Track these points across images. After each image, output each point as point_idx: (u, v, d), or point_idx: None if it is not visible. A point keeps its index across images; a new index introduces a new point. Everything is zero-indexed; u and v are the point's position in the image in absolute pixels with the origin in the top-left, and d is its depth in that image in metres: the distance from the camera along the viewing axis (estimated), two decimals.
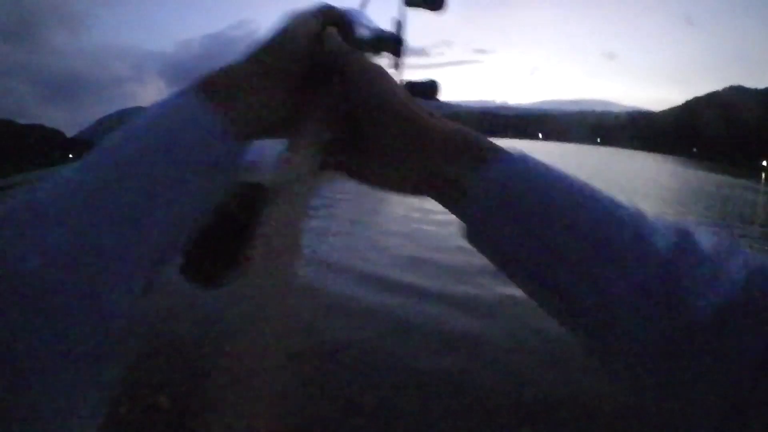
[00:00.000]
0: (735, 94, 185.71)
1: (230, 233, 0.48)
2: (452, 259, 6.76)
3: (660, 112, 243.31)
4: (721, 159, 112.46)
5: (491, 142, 0.36)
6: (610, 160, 52.89)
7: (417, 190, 0.37)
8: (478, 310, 5.08)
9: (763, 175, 57.84)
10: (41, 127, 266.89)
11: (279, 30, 0.44)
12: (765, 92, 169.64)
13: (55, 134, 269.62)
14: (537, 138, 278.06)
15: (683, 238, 0.27)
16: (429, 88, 0.56)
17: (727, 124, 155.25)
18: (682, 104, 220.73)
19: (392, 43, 0.58)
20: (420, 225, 9.48)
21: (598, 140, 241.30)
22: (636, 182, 26.99)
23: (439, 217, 10.26)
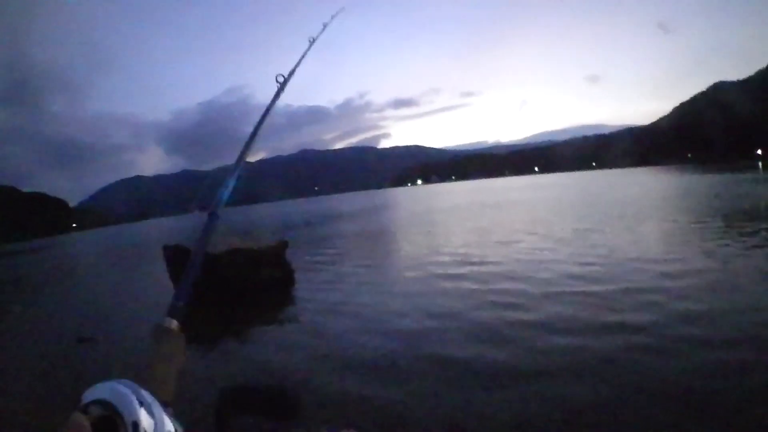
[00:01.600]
0: (719, 91, 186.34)
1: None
2: None
3: (650, 124, 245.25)
4: (717, 158, 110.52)
5: None
6: (609, 184, 53.18)
7: None
8: None
9: (760, 164, 56.98)
10: (44, 196, 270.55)
11: None
12: (746, 82, 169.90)
13: (58, 203, 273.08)
14: (534, 172, 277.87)
15: None
16: None
17: (717, 122, 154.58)
18: (670, 112, 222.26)
19: None
20: None
21: (594, 164, 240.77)
22: (643, 202, 26.21)
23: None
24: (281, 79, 1.67)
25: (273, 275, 12.04)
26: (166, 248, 11.93)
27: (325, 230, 29.93)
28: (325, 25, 2.23)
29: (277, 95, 1.66)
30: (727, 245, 11.35)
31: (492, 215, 26.47)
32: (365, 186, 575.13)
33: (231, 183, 1.37)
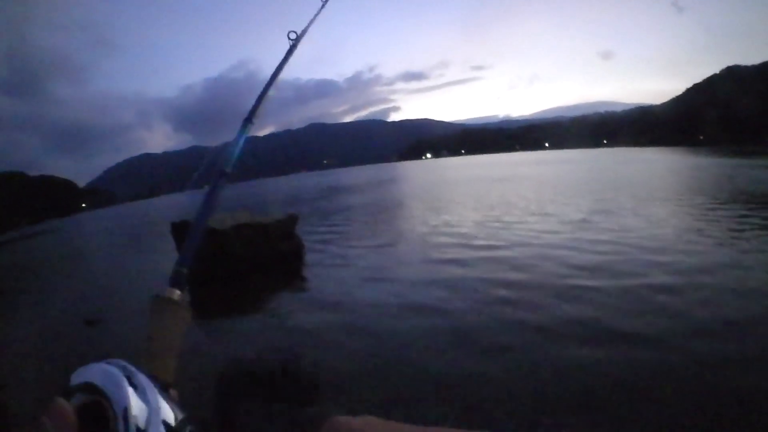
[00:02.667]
0: (732, 75, 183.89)
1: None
2: None
3: (662, 104, 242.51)
4: (729, 142, 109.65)
5: None
6: (621, 162, 52.15)
7: None
8: None
9: None
10: (52, 178, 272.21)
11: None
12: (761, 67, 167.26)
13: (67, 185, 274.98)
14: (544, 147, 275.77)
15: None
16: None
17: (729, 106, 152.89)
18: (683, 93, 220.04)
19: None
20: None
21: (605, 141, 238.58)
22: (655, 181, 26.08)
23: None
24: (293, 36, 1.56)
25: (282, 250, 12.00)
26: (174, 225, 11.87)
27: (334, 204, 30.04)
28: None
29: (290, 52, 1.54)
30: (743, 231, 11.02)
31: (501, 191, 26.20)
32: (374, 159, 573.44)
33: (241, 140, 1.25)
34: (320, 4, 1.86)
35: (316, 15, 1.77)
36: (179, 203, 66.40)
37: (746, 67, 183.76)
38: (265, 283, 10.39)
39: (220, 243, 10.71)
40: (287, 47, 1.53)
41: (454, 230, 14.07)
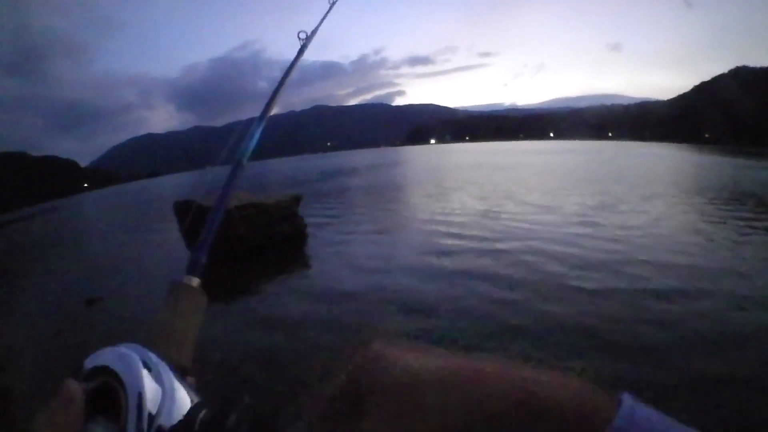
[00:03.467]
0: (740, 75, 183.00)
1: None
2: None
3: (668, 100, 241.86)
4: (733, 142, 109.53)
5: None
6: (626, 155, 52.61)
7: None
8: None
9: None
10: (55, 158, 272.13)
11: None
12: None
13: (70, 165, 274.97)
14: (549, 137, 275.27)
15: None
16: None
17: (736, 106, 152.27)
18: (690, 90, 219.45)
19: None
20: None
21: (610, 134, 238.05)
22: (664, 176, 26.17)
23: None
24: (303, 36, 1.62)
25: (285, 231, 12.07)
26: (177, 204, 11.89)
27: (337, 185, 30.35)
28: None
29: (301, 52, 1.60)
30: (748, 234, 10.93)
31: (503, 180, 26.21)
32: (378, 143, 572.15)
33: (257, 134, 1.31)
34: (328, 4, 1.92)
35: (325, 15, 1.83)
36: (182, 183, 66.32)
37: (754, 69, 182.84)
38: (264, 266, 10.44)
39: (225, 223, 10.72)
40: (298, 47, 1.59)
41: (450, 219, 14.16)
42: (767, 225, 11.75)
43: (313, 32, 1.65)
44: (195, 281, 0.93)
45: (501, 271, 8.56)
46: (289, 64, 1.51)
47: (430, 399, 0.27)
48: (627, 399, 0.26)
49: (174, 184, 65.68)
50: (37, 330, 7.81)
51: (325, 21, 1.73)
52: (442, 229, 12.61)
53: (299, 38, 1.57)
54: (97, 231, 23.99)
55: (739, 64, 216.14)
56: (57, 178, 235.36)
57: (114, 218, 29.32)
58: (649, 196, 16.71)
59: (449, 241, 11.13)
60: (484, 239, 11.15)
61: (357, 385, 0.32)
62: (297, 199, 12.87)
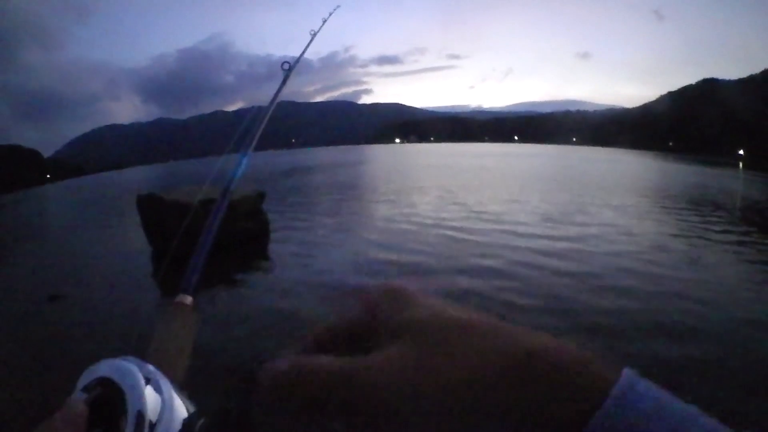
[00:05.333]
0: (708, 87, 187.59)
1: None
2: None
3: (635, 108, 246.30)
4: (698, 151, 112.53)
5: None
6: (589, 160, 53.62)
7: None
8: None
9: (741, 164, 58.20)
10: (18, 148, 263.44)
11: None
12: (738, 83, 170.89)
13: (33, 155, 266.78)
14: (513, 141, 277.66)
15: None
16: None
17: (702, 117, 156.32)
18: (656, 99, 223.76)
19: None
20: None
21: (574, 140, 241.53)
22: (623, 181, 26.90)
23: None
24: (287, 67, 1.74)
25: (249, 227, 12.03)
26: (140, 198, 11.75)
27: (300, 183, 30.41)
28: (324, 20, 2.30)
29: (284, 82, 1.73)
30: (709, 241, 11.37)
31: (463, 182, 26.50)
32: (343, 141, 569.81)
33: (244, 163, 1.41)
34: (309, 37, 2.05)
35: (307, 46, 1.96)
36: (146, 177, 65.32)
37: (723, 81, 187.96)
38: (226, 264, 10.36)
39: (184, 218, 10.63)
40: (281, 77, 1.72)
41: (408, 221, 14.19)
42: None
43: (296, 62, 1.78)
44: (188, 300, 1.01)
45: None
46: (276, 99, 1.65)
47: (452, 338, 0.27)
48: (628, 372, 0.26)
49: (137, 178, 64.40)
50: None
51: (306, 53, 1.86)
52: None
53: (282, 69, 1.70)
54: (60, 225, 23.45)
55: (708, 76, 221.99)
56: (19, 168, 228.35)
57: (77, 212, 28.70)
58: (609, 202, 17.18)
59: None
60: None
61: (371, 320, 0.31)
62: (261, 196, 12.83)
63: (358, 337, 0.32)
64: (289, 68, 1.77)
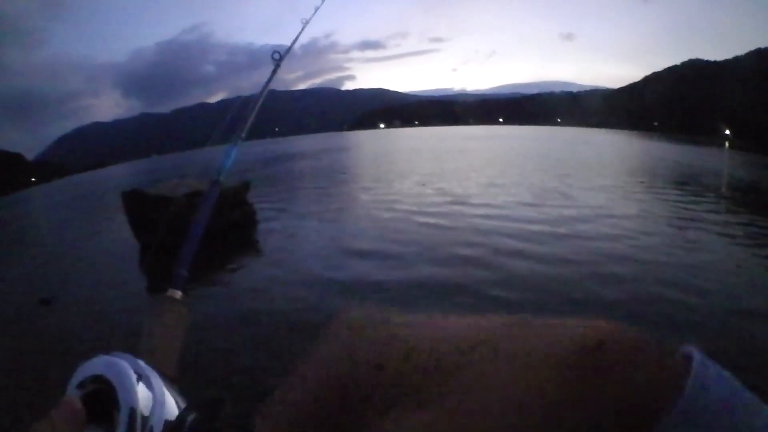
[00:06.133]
0: (693, 68, 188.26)
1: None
2: None
3: (619, 88, 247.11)
4: (682, 131, 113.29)
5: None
6: (574, 140, 54.32)
7: None
8: None
9: (726, 143, 58.85)
10: (1, 152, 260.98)
11: None
12: (722, 64, 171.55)
13: (16, 158, 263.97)
14: (498, 123, 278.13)
15: None
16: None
17: (687, 97, 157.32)
18: (641, 80, 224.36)
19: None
20: None
21: (559, 120, 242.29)
22: (611, 160, 27.54)
23: None
24: (277, 57, 1.70)
25: (234, 218, 11.95)
26: (124, 195, 11.66)
27: (283, 170, 30.77)
28: (317, 8, 2.24)
29: (274, 72, 1.68)
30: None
31: (446, 165, 26.56)
32: (327, 128, 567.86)
33: (233, 154, 1.38)
34: (300, 25, 1.99)
35: (298, 35, 1.90)
36: (129, 173, 64.90)
37: (707, 62, 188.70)
38: (215, 257, 10.27)
39: (173, 211, 10.58)
40: (272, 68, 1.67)
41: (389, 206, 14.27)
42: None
43: (286, 52, 1.73)
44: (178, 294, 1.00)
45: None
46: (266, 89, 1.60)
47: (457, 362, 0.25)
48: (696, 355, 0.25)
49: (121, 175, 64.03)
50: None
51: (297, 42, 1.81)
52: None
53: (273, 59, 1.65)
54: (48, 228, 23.24)
55: (693, 57, 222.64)
56: (3, 173, 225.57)
57: (64, 213, 28.43)
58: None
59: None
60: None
61: (350, 365, 0.28)
62: (246, 186, 12.81)
63: (347, 389, 0.28)
64: (280, 58, 1.72)
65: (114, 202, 14.33)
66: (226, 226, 11.54)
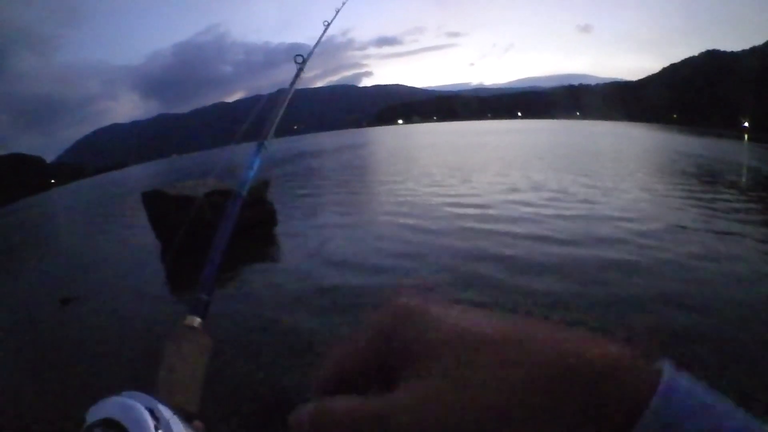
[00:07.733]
0: (711, 59, 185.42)
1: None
2: None
3: (638, 81, 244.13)
4: (701, 123, 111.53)
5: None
6: (593, 134, 53.85)
7: None
8: None
9: (746, 135, 57.92)
10: (21, 156, 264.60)
11: None
12: (740, 55, 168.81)
13: (35, 161, 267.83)
14: (516, 117, 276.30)
15: None
16: None
17: (705, 89, 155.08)
18: (659, 71, 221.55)
19: None
20: None
21: (578, 114, 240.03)
22: (629, 154, 27.19)
23: None
24: (300, 60, 1.67)
25: (254, 216, 11.93)
26: (144, 195, 11.71)
27: (303, 167, 30.90)
28: (338, 10, 2.19)
29: (297, 76, 1.66)
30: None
31: (467, 161, 26.41)
32: (345, 125, 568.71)
33: (255, 164, 1.32)
34: (321, 26, 1.95)
35: (320, 38, 1.87)
36: (148, 174, 65.46)
37: (725, 53, 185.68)
38: (237, 251, 10.17)
39: (194, 211, 10.60)
40: (295, 71, 1.64)
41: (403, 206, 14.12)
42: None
43: (309, 55, 1.70)
44: (197, 321, 0.91)
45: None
46: (289, 93, 1.57)
47: (482, 357, 0.26)
48: (668, 369, 0.26)
49: (140, 176, 64.58)
50: (11, 331, 7.64)
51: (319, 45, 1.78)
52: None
53: (296, 62, 1.62)
54: (68, 228, 23.44)
55: (710, 48, 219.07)
56: (23, 176, 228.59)
57: (84, 214, 28.69)
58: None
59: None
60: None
61: (387, 348, 0.30)
62: (266, 184, 12.76)
63: (378, 367, 0.31)
64: (303, 61, 1.68)
65: (134, 203, 14.37)
66: (246, 225, 11.55)
